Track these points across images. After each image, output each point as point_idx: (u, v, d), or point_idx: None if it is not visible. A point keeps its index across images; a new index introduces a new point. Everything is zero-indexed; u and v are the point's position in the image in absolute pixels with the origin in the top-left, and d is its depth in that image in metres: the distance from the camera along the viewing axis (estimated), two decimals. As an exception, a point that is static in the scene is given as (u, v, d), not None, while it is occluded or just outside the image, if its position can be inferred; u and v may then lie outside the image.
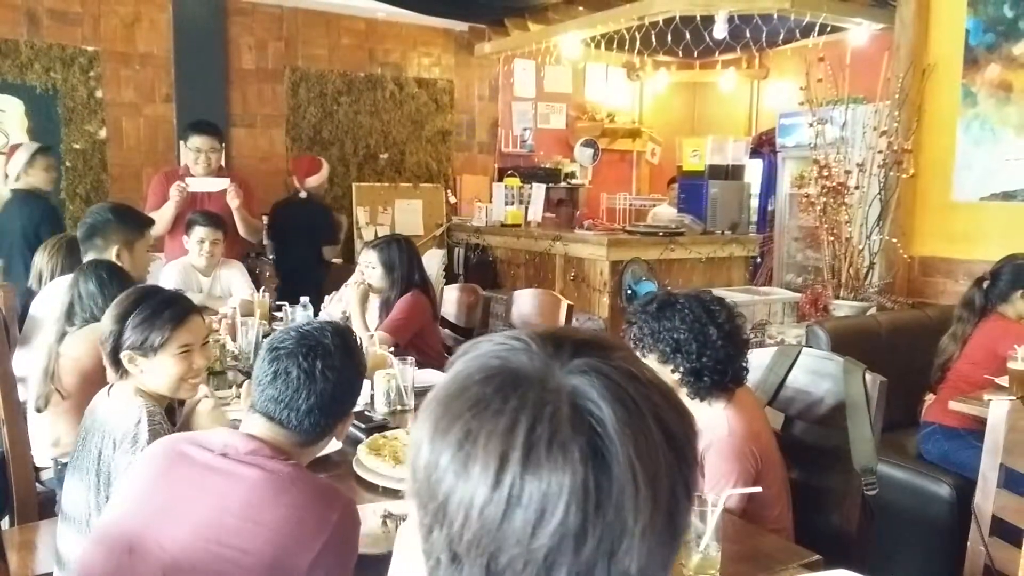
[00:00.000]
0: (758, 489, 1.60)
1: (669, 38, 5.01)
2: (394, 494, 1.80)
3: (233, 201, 4.31)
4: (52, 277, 3.12)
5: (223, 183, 4.36)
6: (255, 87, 6.02)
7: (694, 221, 5.59)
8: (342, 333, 1.45)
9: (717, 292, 5.25)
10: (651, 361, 1.83)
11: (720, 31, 4.98)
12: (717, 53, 5.31)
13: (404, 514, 1.64)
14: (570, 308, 3.11)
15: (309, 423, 1.37)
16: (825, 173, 3.76)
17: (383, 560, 1.50)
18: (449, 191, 6.92)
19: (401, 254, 3.34)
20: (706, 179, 5.65)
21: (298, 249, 4.96)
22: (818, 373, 2.07)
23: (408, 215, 6.69)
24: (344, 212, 6.47)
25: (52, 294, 2.76)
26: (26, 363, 2.68)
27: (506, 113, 7.24)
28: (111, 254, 2.75)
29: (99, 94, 5.48)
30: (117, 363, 1.77)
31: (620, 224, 6.71)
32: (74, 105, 5.40)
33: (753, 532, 1.66)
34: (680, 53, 5.22)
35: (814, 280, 3.86)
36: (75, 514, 1.73)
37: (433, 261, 5.94)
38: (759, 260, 5.91)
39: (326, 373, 1.37)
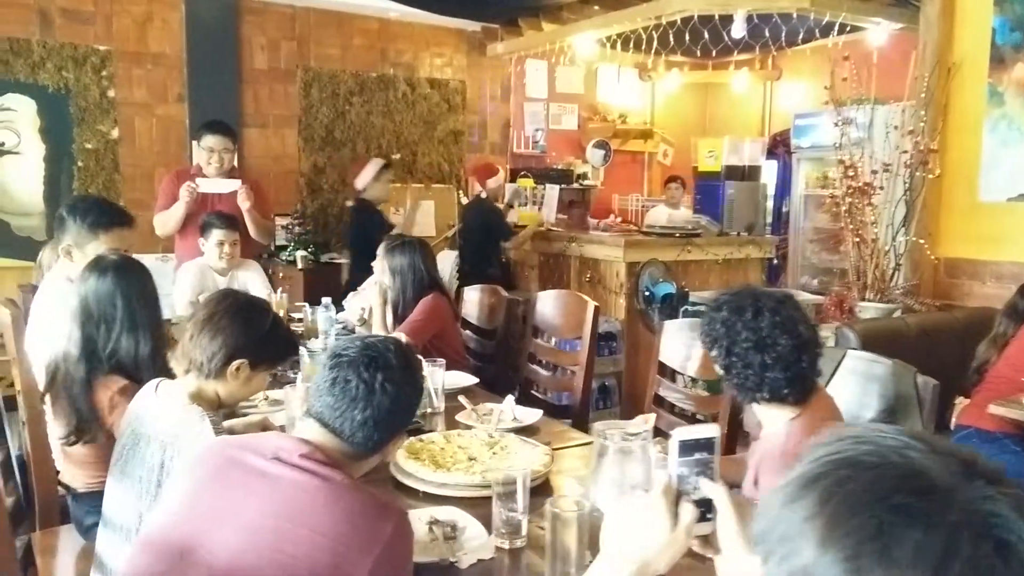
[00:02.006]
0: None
1: (687, 37, 4.96)
2: (435, 499, 1.75)
3: (244, 203, 4.25)
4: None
5: (234, 184, 4.29)
6: (267, 87, 5.98)
7: (710, 222, 5.55)
8: (406, 351, 1.43)
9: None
10: (712, 354, 1.80)
11: (738, 30, 4.93)
12: (735, 53, 5.26)
13: (451, 521, 1.59)
14: (596, 310, 3.06)
15: (362, 435, 1.33)
16: (851, 173, 3.70)
17: (430, 568, 1.46)
18: (461, 192, 6.86)
19: (403, 258, 3.28)
20: (722, 180, 5.60)
21: (477, 244, 5.34)
22: (864, 376, 2.02)
23: (420, 216, 6.63)
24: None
25: (47, 292, 2.70)
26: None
27: (518, 114, 7.19)
28: (60, 251, 2.52)
29: (111, 94, 5.44)
30: (223, 367, 1.75)
31: (635, 225, 6.66)
32: (86, 105, 5.36)
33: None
34: (698, 52, 5.17)
35: (839, 281, 3.80)
36: (122, 521, 1.69)
37: (446, 262, 5.91)
38: (775, 262, 5.86)
39: (385, 386, 1.33)
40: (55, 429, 2.21)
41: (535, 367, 3.35)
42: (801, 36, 4.95)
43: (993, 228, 3.85)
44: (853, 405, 2.01)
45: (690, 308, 5.14)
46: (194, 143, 5.37)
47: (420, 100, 6.62)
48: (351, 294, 3.79)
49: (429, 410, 2.44)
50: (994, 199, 3.88)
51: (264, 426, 2.09)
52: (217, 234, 3.86)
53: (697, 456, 1.00)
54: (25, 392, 2.52)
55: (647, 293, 5.03)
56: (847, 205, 3.72)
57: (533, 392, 3.32)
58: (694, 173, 6.02)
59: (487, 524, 1.60)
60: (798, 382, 1.71)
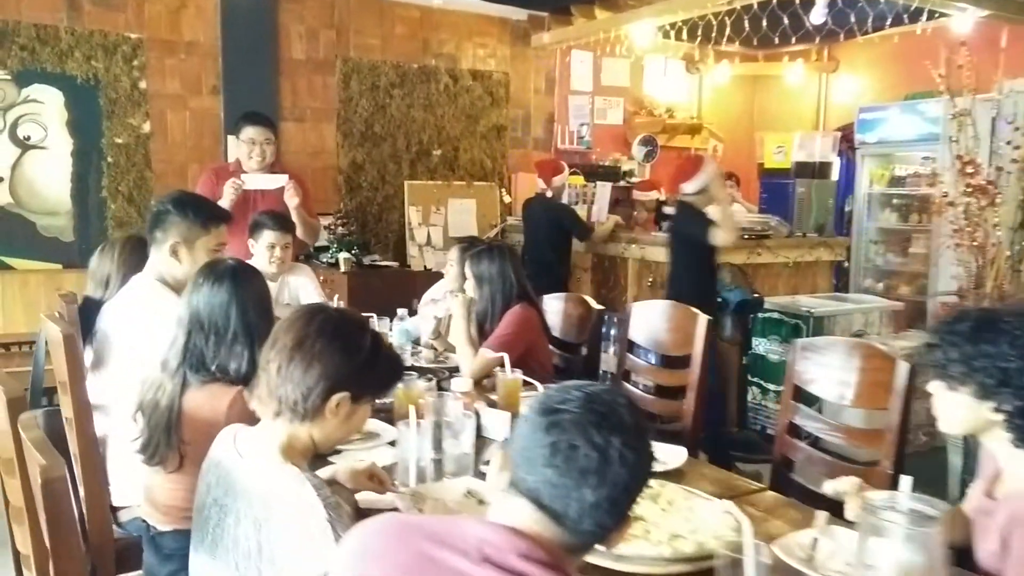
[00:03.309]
0: None
1: (764, 23, 4.59)
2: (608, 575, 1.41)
3: (292, 200, 3.95)
4: (120, 282, 2.76)
5: (281, 180, 4.00)
6: (305, 78, 5.64)
7: (780, 223, 5.19)
8: (634, 403, 1.08)
9: (798, 299, 4.85)
10: (964, 395, 1.45)
11: (819, 15, 4.58)
12: (817, 39, 4.90)
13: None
14: (710, 325, 2.72)
15: (591, 521, 0.99)
16: (970, 170, 3.35)
17: None
18: (504, 190, 6.53)
19: (492, 265, 2.94)
20: (793, 177, 5.24)
21: (542, 243, 5.04)
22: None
23: (461, 215, 6.31)
24: (395, 212, 6.11)
25: (123, 305, 2.37)
26: (102, 389, 2.31)
27: (562, 108, 6.85)
28: (166, 249, 2.32)
29: (143, 85, 5.10)
30: (321, 404, 1.41)
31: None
32: (116, 97, 5.03)
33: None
34: (776, 39, 4.79)
35: (961, 289, 3.45)
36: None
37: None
38: (846, 264, 5.51)
39: (624, 455, 0.99)
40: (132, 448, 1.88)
41: (629, 387, 3.01)
42: (889, 23, 4.56)
43: (1123, 231, 3.50)
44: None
45: (760, 315, 4.81)
46: (231, 138, 5.09)
47: (462, 93, 6.27)
48: (425, 302, 3.46)
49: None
50: (1122, 199, 3.53)
51: (371, 474, 1.75)
52: (268, 236, 3.52)
53: None
54: (77, 420, 2.20)
55: (719, 299, 4.68)
56: (964, 205, 3.36)
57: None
58: (759, 170, 5.67)
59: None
60: None
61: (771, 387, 5.02)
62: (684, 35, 5.44)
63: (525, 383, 2.36)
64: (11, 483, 1.67)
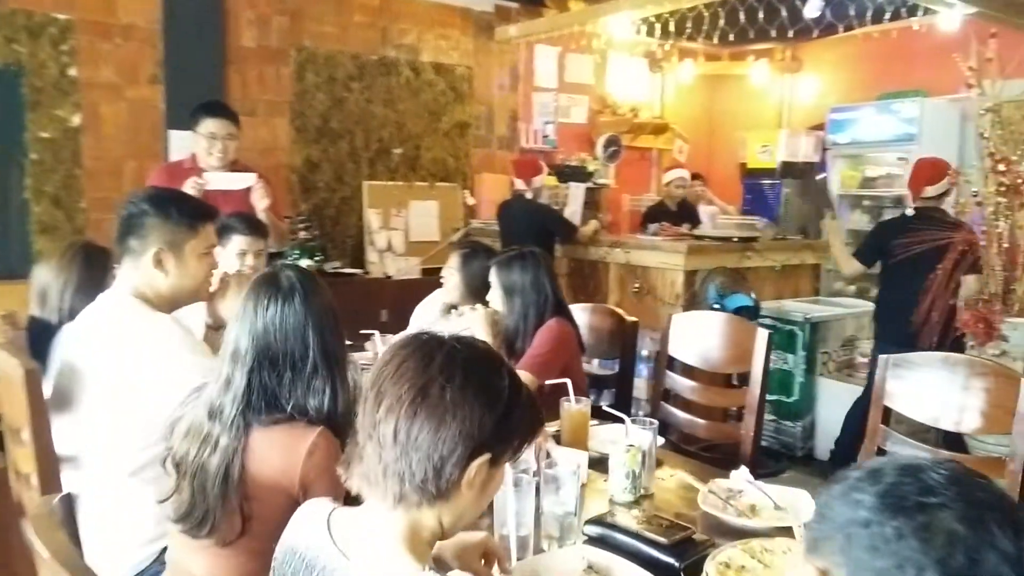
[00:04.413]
0: None
1: (760, 15, 4.35)
2: None
3: (262, 201, 3.55)
4: (63, 298, 2.28)
5: (248, 179, 3.59)
6: (256, 69, 5.13)
7: (767, 224, 5.01)
8: None
9: (789, 304, 4.65)
10: None
11: (814, 8, 4.39)
12: (815, 33, 4.70)
13: None
14: (770, 339, 2.43)
15: None
16: (1001, 168, 3.18)
17: None
18: (467, 191, 6.15)
19: (525, 274, 2.59)
20: (779, 178, 5.07)
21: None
22: None
23: (423, 218, 5.90)
24: (353, 215, 5.66)
25: (94, 330, 1.91)
26: (69, 436, 1.84)
27: (526, 105, 6.51)
28: (147, 259, 1.89)
29: (72, 72, 4.51)
30: (458, 478, 1.03)
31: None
32: (42, 85, 4.42)
33: None
34: (773, 33, 4.57)
35: (986, 294, 3.28)
36: None
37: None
38: (830, 269, 5.36)
39: None
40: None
41: (672, 408, 2.69)
42: (889, 16, 4.41)
43: None
44: None
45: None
46: (174, 132, 4.59)
47: (424, 87, 5.87)
48: (427, 317, 3.06)
49: (643, 491, 1.75)
50: None
51: (487, 549, 1.36)
52: (239, 241, 3.05)
53: None
54: (41, 477, 1.74)
55: (716, 306, 4.44)
56: (994, 206, 3.19)
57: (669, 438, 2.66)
58: (742, 170, 5.48)
59: None
60: None
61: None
62: (670, 28, 5.16)
63: (602, 413, 2.02)
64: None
